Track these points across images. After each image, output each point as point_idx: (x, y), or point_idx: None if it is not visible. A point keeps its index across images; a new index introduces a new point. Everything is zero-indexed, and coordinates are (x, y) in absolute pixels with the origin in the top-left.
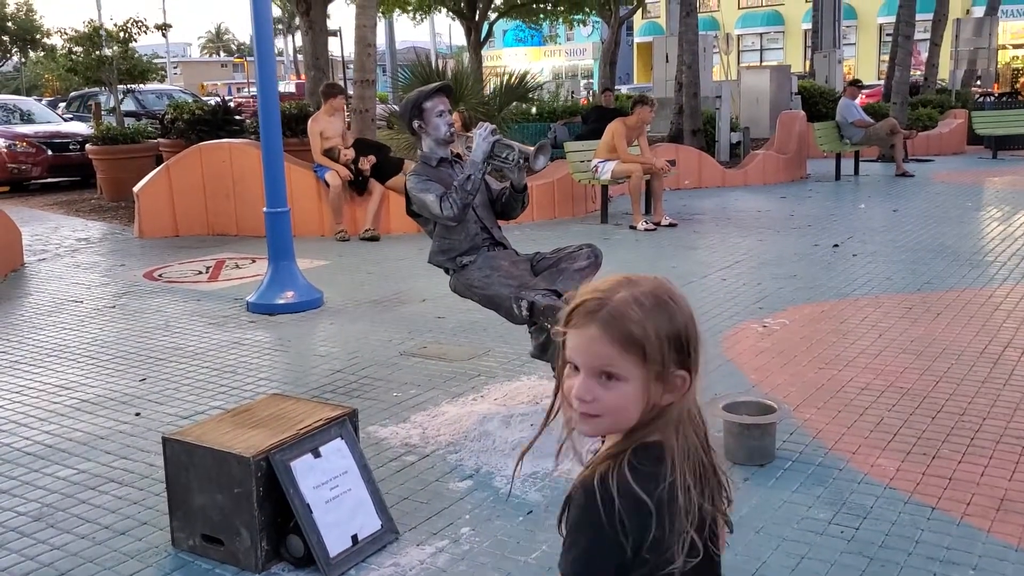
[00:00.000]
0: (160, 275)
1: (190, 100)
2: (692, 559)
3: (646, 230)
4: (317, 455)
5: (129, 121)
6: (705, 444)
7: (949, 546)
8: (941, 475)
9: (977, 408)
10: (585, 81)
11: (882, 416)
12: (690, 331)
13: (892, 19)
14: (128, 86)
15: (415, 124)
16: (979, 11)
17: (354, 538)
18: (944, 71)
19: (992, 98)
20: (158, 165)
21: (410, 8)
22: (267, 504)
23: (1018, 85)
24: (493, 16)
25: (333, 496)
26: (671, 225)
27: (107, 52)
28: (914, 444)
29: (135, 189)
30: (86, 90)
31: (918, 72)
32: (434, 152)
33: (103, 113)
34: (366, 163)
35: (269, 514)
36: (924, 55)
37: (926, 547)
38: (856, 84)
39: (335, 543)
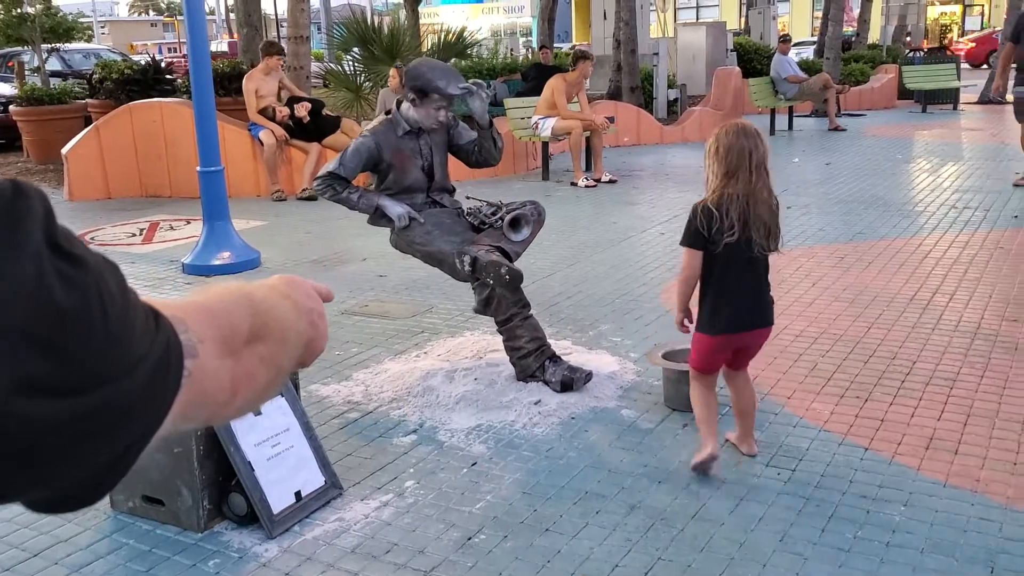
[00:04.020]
0: (92, 238)
1: (119, 59)
2: (731, 238)
3: (587, 186)
4: (257, 413)
5: (55, 81)
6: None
7: (881, 484)
8: (873, 417)
9: (908, 352)
10: (524, 39)
11: (816, 362)
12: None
13: None
14: (52, 45)
15: (411, 96)
16: None
17: (297, 494)
18: (875, 27)
19: (921, 53)
20: (87, 126)
21: None
22: (208, 463)
23: (946, 41)
24: None
25: (275, 453)
26: (611, 181)
27: (29, 9)
28: (847, 388)
29: (63, 151)
30: (7, 49)
31: (850, 28)
32: (410, 121)
33: (27, 73)
34: (302, 109)
35: (210, 473)
36: (856, 11)
37: (859, 486)
38: (785, 39)
39: (278, 500)
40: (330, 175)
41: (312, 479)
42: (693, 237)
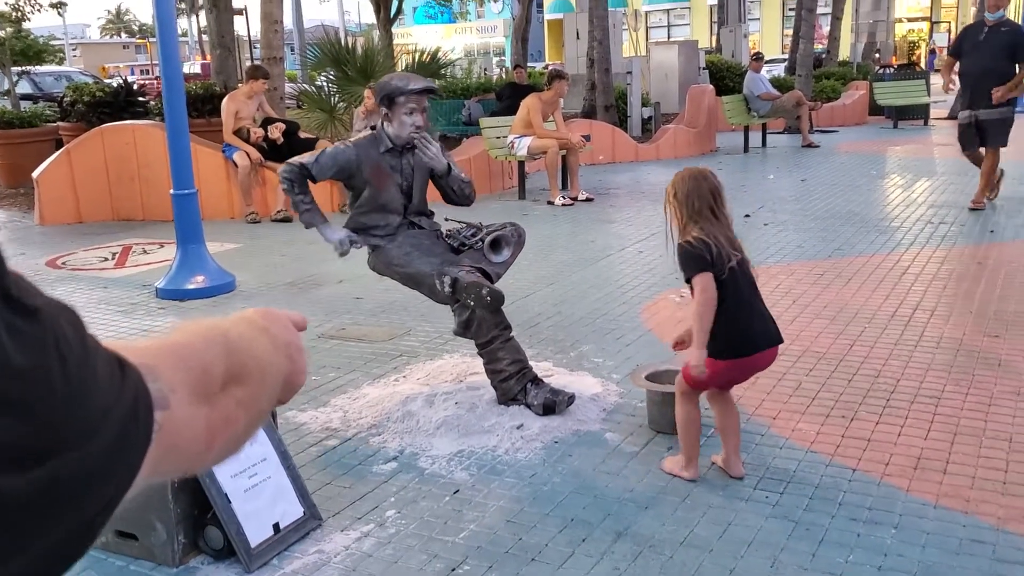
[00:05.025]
0: (64, 263)
1: (90, 82)
2: (734, 263)
3: (563, 205)
4: None
5: (25, 104)
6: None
7: (871, 506)
8: (860, 436)
9: (891, 369)
10: (497, 58)
11: (800, 380)
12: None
13: None
14: (23, 68)
15: (384, 111)
16: None
17: (276, 527)
18: (845, 44)
19: (891, 70)
20: (58, 149)
21: None
22: (183, 496)
23: (914, 57)
24: None
25: (252, 484)
26: (588, 200)
27: None
28: (832, 407)
29: (34, 175)
30: None
31: (821, 45)
32: (391, 137)
33: None
34: (276, 131)
35: (185, 506)
36: (826, 29)
37: (849, 508)
38: (757, 58)
39: (256, 533)
40: (301, 166)
41: (290, 510)
42: (700, 262)
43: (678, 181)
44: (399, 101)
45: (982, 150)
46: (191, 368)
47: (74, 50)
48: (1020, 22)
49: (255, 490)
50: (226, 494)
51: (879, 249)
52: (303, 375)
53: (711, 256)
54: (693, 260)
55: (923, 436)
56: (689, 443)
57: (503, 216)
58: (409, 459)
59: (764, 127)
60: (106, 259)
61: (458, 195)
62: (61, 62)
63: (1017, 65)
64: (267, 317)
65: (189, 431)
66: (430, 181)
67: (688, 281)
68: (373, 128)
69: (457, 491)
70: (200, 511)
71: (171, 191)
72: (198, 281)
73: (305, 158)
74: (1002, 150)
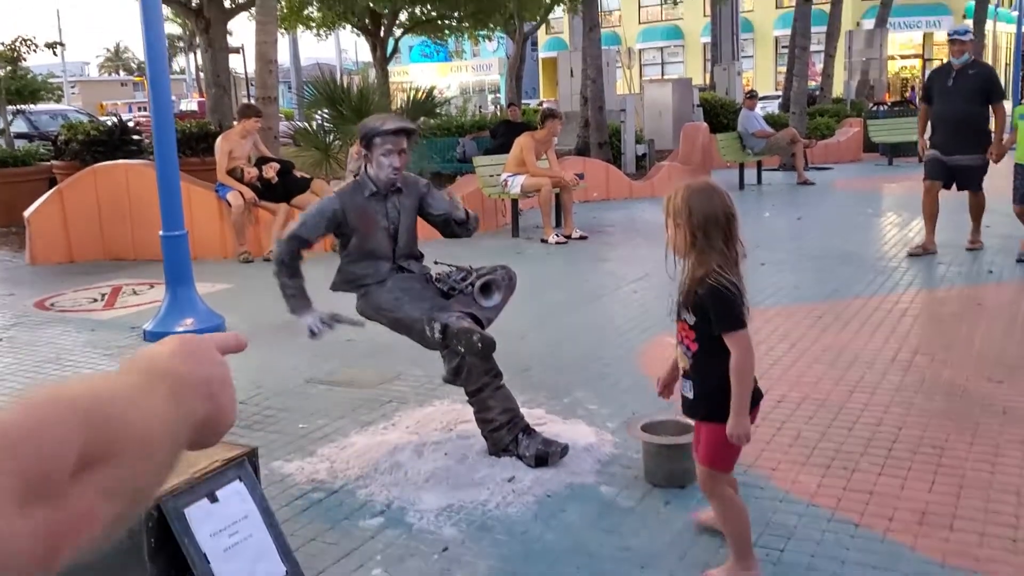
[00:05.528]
0: (52, 304)
1: (85, 120)
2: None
3: (557, 243)
4: (214, 500)
5: (21, 143)
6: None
7: (876, 565)
8: (862, 490)
9: (892, 417)
10: (492, 96)
11: (800, 429)
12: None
13: (787, 32)
14: (19, 106)
15: (365, 153)
16: (869, 23)
17: None
18: (838, 81)
19: (885, 107)
20: (51, 188)
21: (314, 24)
22: (160, 556)
23: (907, 94)
24: (398, 32)
25: (232, 544)
26: (582, 238)
27: None
28: (833, 458)
29: (26, 213)
30: None
31: (814, 83)
32: (374, 181)
33: None
34: (270, 170)
35: (162, 567)
36: (819, 66)
37: (853, 567)
38: (751, 95)
39: None
40: (291, 238)
41: (273, 570)
42: (741, 314)
43: (692, 198)
44: (376, 142)
45: (942, 192)
46: (23, 456)
47: (73, 87)
48: (1018, 24)
49: (235, 549)
50: (205, 554)
51: (877, 290)
52: (228, 413)
53: (745, 307)
54: (734, 311)
55: (927, 489)
56: (746, 540)
57: (497, 254)
58: (397, 513)
59: (759, 164)
60: (95, 300)
61: (469, 229)
62: (59, 100)
63: (992, 109)
64: (183, 349)
65: (6, 551)
66: (427, 217)
67: (702, 326)
68: (356, 175)
69: (446, 548)
70: (178, 572)
71: (160, 232)
72: (186, 323)
73: (293, 227)
74: (1000, 189)
